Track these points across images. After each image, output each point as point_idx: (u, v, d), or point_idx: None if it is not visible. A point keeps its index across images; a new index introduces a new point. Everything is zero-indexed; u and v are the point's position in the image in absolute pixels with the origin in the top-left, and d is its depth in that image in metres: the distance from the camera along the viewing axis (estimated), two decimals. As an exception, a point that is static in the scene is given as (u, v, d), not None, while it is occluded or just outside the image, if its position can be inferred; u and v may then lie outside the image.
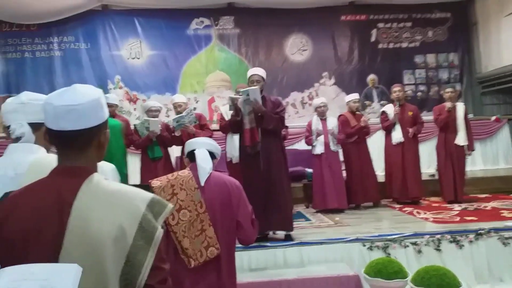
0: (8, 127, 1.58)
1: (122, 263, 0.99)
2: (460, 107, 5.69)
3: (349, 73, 8.87)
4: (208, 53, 8.54)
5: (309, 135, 5.46)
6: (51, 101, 1.07)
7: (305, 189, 5.97)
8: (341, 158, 5.65)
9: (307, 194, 5.87)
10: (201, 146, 2.32)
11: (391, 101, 6.08)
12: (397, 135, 5.69)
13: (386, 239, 3.90)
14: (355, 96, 5.86)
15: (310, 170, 5.78)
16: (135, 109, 8.02)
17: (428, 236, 3.94)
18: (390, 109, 5.81)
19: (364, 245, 3.88)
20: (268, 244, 3.89)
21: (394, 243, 3.87)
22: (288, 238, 4.01)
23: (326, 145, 5.35)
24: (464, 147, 5.60)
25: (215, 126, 6.59)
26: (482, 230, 3.95)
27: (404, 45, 9.06)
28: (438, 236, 3.93)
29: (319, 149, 5.35)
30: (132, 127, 5.43)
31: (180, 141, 4.84)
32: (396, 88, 5.88)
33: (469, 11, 9.12)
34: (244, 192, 2.25)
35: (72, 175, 1.07)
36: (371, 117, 6.10)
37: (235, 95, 4.89)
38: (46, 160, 1.49)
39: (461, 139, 5.57)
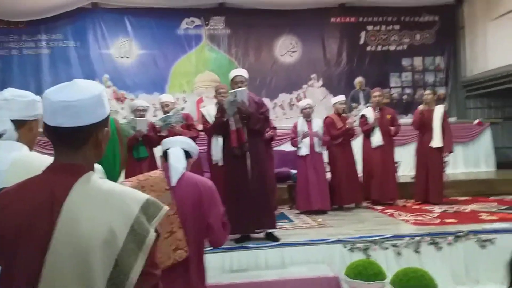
0: None
1: (111, 267, 0.95)
2: (438, 110, 5.77)
3: (337, 75, 8.95)
4: (198, 53, 8.57)
5: (294, 137, 5.52)
6: (49, 96, 1.04)
7: (289, 190, 6.03)
8: (326, 159, 5.72)
9: (291, 195, 5.93)
10: (176, 144, 2.29)
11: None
12: (377, 139, 5.81)
13: (366, 240, 3.97)
14: (341, 98, 5.94)
15: (295, 172, 5.84)
16: (122, 108, 8.02)
17: (408, 238, 4.01)
18: (370, 113, 5.91)
19: (345, 247, 3.94)
20: (250, 245, 3.93)
21: (374, 245, 3.94)
22: (270, 237, 4.05)
23: (311, 146, 5.42)
24: (441, 149, 5.69)
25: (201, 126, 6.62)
26: (461, 232, 4.04)
27: (392, 48, 9.16)
28: (418, 238, 4.00)
29: (304, 150, 5.41)
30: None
31: (166, 142, 4.85)
32: (376, 92, 6.00)
33: (457, 15, 9.25)
34: (217, 193, 2.21)
35: (66, 172, 1.04)
36: (357, 119, 6.21)
37: (215, 96, 4.94)
38: (28, 158, 1.49)
39: (435, 141, 5.66)
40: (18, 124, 1.55)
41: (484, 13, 8.49)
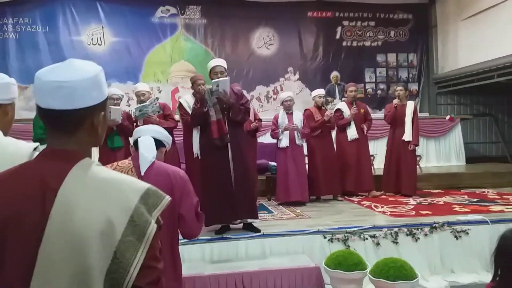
0: None
1: (109, 260, 0.89)
2: (410, 105, 5.93)
3: (313, 69, 9.00)
4: (173, 42, 8.39)
5: (275, 129, 5.49)
6: (41, 75, 0.97)
7: (267, 182, 6.01)
8: (306, 152, 5.74)
9: (270, 187, 5.92)
10: (146, 133, 2.21)
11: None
12: (352, 132, 5.92)
13: (346, 231, 3.99)
14: (320, 91, 5.98)
15: (273, 164, 5.82)
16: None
17: (386, 229, 4.06)
18: (344, 107, 6.00)
19: (325, 237, 3.95)
20: (231, 236, 3.88)
21: (353, 236, 3.97)
22: (250, 228, 4.01)
23: (292, 138, 5.41)
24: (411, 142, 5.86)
25: (178, 117, 6.50)
26: (437, 223, 4.13)
27: (367, 43, 9.29)
28: (396, 229, 4.06)
29: (284, 142, 5.40)
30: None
31: (142, 131, 4.71)
32: (352, 87, 6.12)
33: (430, 14, 9.49)
34: (189, 183, 2.13)
35: (60, 158, 0.96)
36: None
37: (193, 86, 4.82)
38: (3, 143, 1.40)
39: (407, 135, 5.81)
40: None
41: (456, 13, 8.74)
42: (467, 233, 4.09)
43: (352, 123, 5.92)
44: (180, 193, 2.07)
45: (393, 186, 5.92)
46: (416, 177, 6.00)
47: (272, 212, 5.00)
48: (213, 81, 3.93)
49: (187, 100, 5.01)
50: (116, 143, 4.96)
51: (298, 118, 5.50)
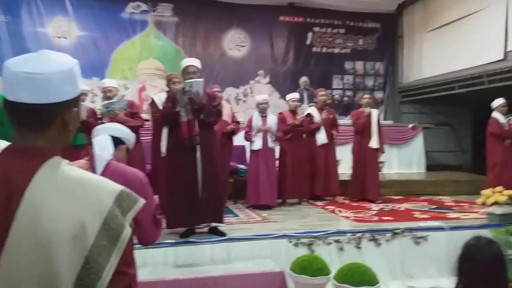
0: None
1: (79, 265, 0.84)
2: (375, 113, 6.10)
3: (283, 73, 9.07)
4: (143, 39, 8.23)
5: (249, 131, 5.50)
6: (10, 65, 0.90)
7: (235, 184, 5.99)
8: (278, 155, 5.79)
9: (237, 190, 5.90)
10: (103, 132, 2.14)
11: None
12: (322, 137, 6.05)
13: (311, 236, 4.04)
14: (294, 95, 6.09)
15: (242, 166, 5.82)
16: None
17: (349, 234, 4.15)
18: (315, 112, 6.13)
19: (290, 242, 3.98)
20: (195, 239, 3.83)
21: (318, 240, 4.03)
22: (215, 232, 3.98)
23: (264, 141, 5.43)
24: (378, 150, 6.04)
25: (145, 115, 6.38)
26: (398, 229, 4.25)
27: (336, 50, 9.47)
28: (359, 234, 4.15)
29: (257, 144, 5.42)
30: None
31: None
32: (322, 92, 6.32)
33: (397, 24, 9.77)
34: (148, 186, 2.02)
35: (27, 156, 0.90)
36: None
37: (168, 84, 4.73)
38: None
39: (374, 142, 5.99)
40: None
41: (421, 25, 9.05)
42: (426, 239, 4.24)
43: (322, 128, 6.05)
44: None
45: (360, 192, 6.05)
46: (380, 183, 6.17)
47: (238, 216, 4.99)
48: (186, 81, 3.87)
49: (160, 97, 4.91)
50: (79, 140, 4.79)
51: (272, 121, 5.54)
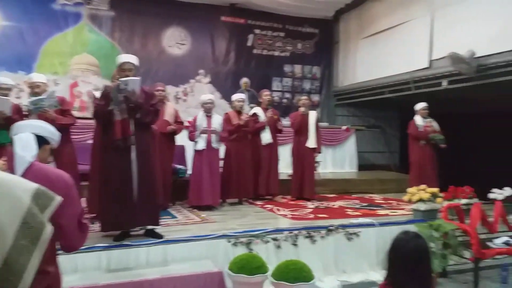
0: None
1: None
2: (312, 115, 6.35)
3: (224, 73, 9.09)
4: (76, 32, 7.82)
5: (193, 130, 5.42)
6: None
7: (173, 185, 5.87)
8: (222, 155, 5.77)
9: (176, 191, 5.79)
10: (25, 129, 1.93)
11: (259, 104, 6.52)
12: (267, 136, 6.18)
13: (250, 235, 4.08)
14: (240, 95, 6.13)
15: (180, 167, 5.72)
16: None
17: (287, 232, 4.24)
18: (260, 112, 6.24)
19: (229, 241, 3.98)
20: (130, 242, 3.70)
21: (257, 239, 4.07)
22: (152, 234, 3.87)
23: (208, 141, 5.38)
24: (314, 149, 6.27)
25: (76, 113, 6.09)
26: (332, 226, 4.43)
27: (276, 53, 9.66)
28: (296, 232, 4.26)
29: (201, 145, 5.35)
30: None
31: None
32: (267, 92, 6.51)
33: (334, 30, 10.19)
34: (74, 189, 1.87)
35: None
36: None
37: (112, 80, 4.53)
38: None
39: (311, 142, 6.22)
40: None
41: (356, 32, 9.51)
42: (358, 235, 4.45)
43: (267, 128, 6.17)
44: (62, 201, 1.87)
45: (299, 191, 6.23)
46: (315, 182, 6.39)
47: (176, 217, 4.90)
48: (122, 79, 3.72)
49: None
50: (2, 138, 4.43)
51: (217, 121, 5.49)
